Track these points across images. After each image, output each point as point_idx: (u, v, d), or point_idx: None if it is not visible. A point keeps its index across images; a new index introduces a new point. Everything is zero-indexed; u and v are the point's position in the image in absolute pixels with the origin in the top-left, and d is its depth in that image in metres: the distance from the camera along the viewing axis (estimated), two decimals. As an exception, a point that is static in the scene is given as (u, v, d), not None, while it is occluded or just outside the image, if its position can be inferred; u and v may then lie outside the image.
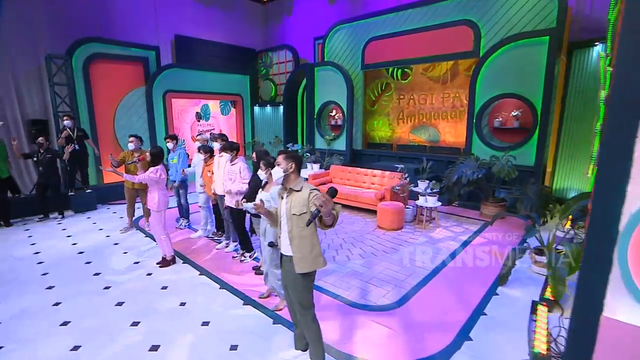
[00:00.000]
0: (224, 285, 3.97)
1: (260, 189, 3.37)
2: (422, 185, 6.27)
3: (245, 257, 4.64)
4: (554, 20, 6.07)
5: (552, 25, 6.07)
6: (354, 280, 4.07)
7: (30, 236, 5.62)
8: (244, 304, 3.58)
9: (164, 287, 3.93)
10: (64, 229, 5.96)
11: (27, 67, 7.50)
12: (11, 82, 7.30)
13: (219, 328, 3.18)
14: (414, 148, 9.10)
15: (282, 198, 2.55)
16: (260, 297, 3.65)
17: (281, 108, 11.27)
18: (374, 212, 6.40)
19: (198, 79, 9.57)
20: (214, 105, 10.28)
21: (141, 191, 5.77)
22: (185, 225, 6.00)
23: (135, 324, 3.25)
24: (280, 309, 3.45)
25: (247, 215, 4.42)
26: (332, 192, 2.26)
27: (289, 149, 8.89)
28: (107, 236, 5.62)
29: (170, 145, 5.74)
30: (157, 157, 4.28)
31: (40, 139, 6.22)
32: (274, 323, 3.26)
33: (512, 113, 6.59)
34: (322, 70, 9.42)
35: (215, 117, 10.39)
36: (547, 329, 2.80)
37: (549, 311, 3.10)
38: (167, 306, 3.54)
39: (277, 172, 2.50)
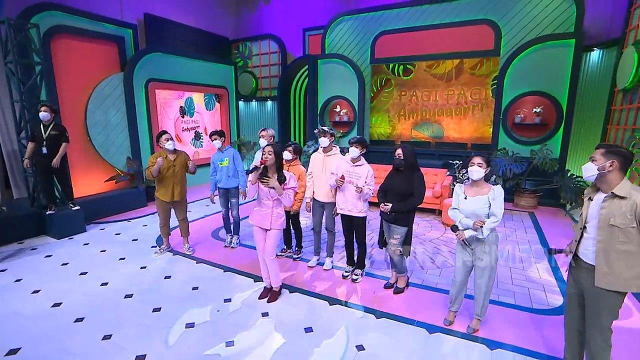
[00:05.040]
0: (380, 314, 3.24)
1: (464, 197, 2.78)
2: (473, 181, 6.27)
3: (357, 275, 3.92)
4: (572, 25, 6.64)
5: (570, 29, 6.64)
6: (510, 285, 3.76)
7: (18, 280, 3.87)
8: (429, 332, 2.96)
9: (309, 329, 3.02)
10: (66, 264, 4.28)
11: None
12: None
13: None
14: (418, 144, 9.15)
15: (591, 200, 2.15)
16: (446, 324, 3.05)
17: (268, 103, 10.27)
18: (428, 210, 6.43)
19: (183, 68, 8.03)
20: (198, 99, 8.77)
21: (178, 205, 4.48)
22: (237, 244, 4.86)
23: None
24: (477, 330, 2.95)
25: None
26: None
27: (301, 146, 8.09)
28: (143, 267, 4.20)
29: (218, 144, 4.54)
30: (281, 157, 3.29)
31: None
32: (491, 348, 2.74)
33: (534, 110, 7.04)
34: (327, 63, 8.79)
35: (200, 112, 8.87)
36: None
37: None
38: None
39: (588, 170, 2.07)
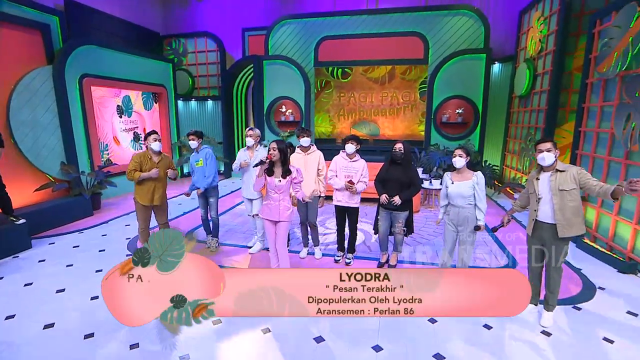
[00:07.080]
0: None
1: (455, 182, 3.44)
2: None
3: (349, 258, 4.36)
4: (481, 42, 8.15)
5: (481, 45, 8.14)
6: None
7: (-25, 308, 3.28)
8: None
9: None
10: (29, 284, 3.72)
11: None
12: None
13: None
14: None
15: (538, 179, 3.00)
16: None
17: (208, 103, 9.95)
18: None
19: (120, 63, 7.32)
20: (135, 98, 8.05)
21: (158, 209, 4.28)
22: (217, 245, 4.82)
23: None
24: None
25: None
26: None
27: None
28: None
29: (194, 144, 4.45)
30: (286, 153, 3.47)
31: None
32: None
33: (457, 111, 8.40)
34: (272, 65, 8.96)
35: (138, 111, 8.15)
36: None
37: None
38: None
39: (549, 157, 2.87)
